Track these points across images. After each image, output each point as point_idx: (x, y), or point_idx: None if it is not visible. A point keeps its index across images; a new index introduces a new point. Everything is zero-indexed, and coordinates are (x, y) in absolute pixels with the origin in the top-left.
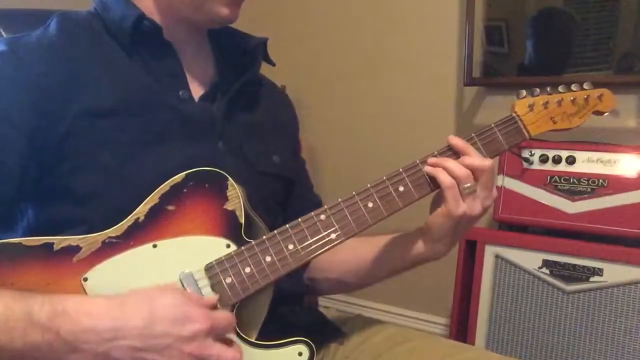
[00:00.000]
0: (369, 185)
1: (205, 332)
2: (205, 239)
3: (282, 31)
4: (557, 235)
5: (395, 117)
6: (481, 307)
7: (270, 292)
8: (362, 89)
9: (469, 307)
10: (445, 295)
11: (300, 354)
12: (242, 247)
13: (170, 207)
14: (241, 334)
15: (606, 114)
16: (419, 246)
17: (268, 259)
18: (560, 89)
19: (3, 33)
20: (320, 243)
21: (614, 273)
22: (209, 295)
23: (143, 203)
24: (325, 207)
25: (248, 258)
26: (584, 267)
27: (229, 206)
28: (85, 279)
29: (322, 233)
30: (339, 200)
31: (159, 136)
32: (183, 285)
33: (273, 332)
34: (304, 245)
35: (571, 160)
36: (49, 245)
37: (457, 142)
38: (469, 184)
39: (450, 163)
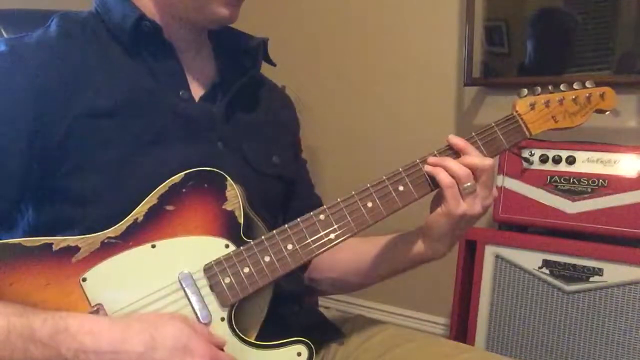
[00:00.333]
0: (368, 185)
1: None
2: (204, 239)
3: (282, 31)
4: (557, 235)
5: (395, 117)
6: (481, 307)
7: (269, 292)
8: (362, 89)
9: (469, 307)
10: (445, 295)
11: (299, 354)
12: (241, 248)
13: (169, 207)
14: (240, 334)
15: (608, 112)
16: (419, 246)
17: (267, 259)
18: (562, 87)
19: (3, 33)
20: (319, 243)
21: (614, 273)
22: (208, 296)
23: (142, 203)
24: (325, 207)
25: (247, 258)
26: (584, 267)
27: (228, 206)
28: (84, 280)
29: (321, 233)
30: (338, 200)
31: (159, 136)
32: (182, 286)
33: (272, 333)
34: (303, 245)
35: (571, 160)
36: (48, 246)
37: (457, 141)
38: (469, 184)
39: (450, 162)
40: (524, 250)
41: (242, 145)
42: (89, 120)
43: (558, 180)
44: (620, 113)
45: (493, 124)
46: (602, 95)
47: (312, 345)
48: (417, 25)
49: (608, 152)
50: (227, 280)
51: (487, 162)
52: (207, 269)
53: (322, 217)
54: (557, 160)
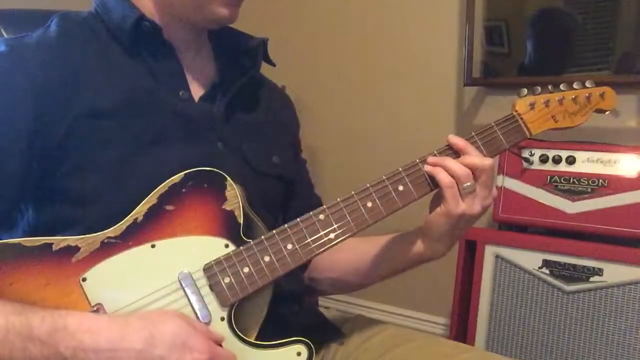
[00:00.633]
0: (368, 184)
1: None
2: (204, 239)
3: (282, 31)
4: (557, 235)
5: (395, 117)
6: (481, 307)
7: (269, 292)
8: (362, 89)
9: (469, 307)
10: (445, 295)
11: (299, 354)
12: (241, 247)
13: (169, 207)
14: (240, 334)
15: (608, 112)
16: (419, 246)
17: (267, 259)
18: (562, 87)
19: (3, 33)
20: (319, 243)
21: (614, 273)
22: (208, 296)
23: (142, 203)
24: (324, 206)
25: (247, 258)
26: (584, 267)
27: (227, 206)
28: (84, 279)
29: (320, 233)
30: (338, 200)
31: (158, 136)
32: (182, 286)
33: (272, 332)
34: (302, 245)
35: (571, 160)
36: (48, 246)
37: (457, 141)
38: (468, 183)
39: (450, 162)
40: (524, 250)
41: (242, 145)
42: (88, 121)
43: (558, 180)
44: (620, 113)
45: (493, 124)
46: (602, 95)
47: (312, 345)
48: (417, 25)
49: (608, 152)
50: (227, 280)
51: (487, 162)
52: (207, 269)
53: (321, 216)
54: (557, 160)
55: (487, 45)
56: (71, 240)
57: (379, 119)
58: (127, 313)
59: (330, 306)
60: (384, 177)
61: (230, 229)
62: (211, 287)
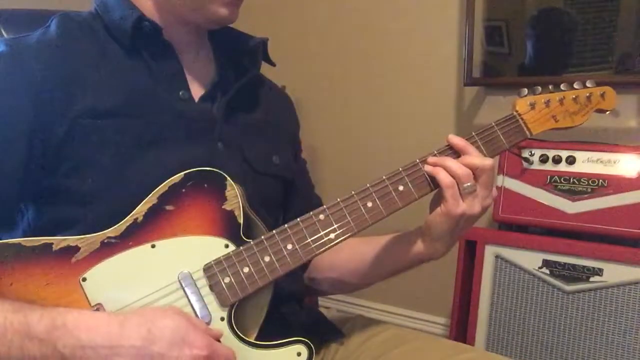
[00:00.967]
0: (368, 184)
1: (204, 359)
2: (204, 239)
3: (282, 31)
4: (557, 235)
5: (395, 117)
6: (481, 307)
7: (269, 292)
8: (362, 89)
9: (469, 307)
10: (445, 295)
11: (299, 354)
12: (241, 247)
13: (169, 207)
14: (240, 334)
15: (608, 112)
16: (418, 246)
17: (267, 259)
18: (562, 87)
19: (3, 33)
20: (319, 243)
21: (614, 273)
22: (208, 296)
23: (142, 203)
24: (324, 207)
25: (246, 258)
26: (584, 267)
27: (227, 206)
28: (84, 279)
29: (320, 233)
30: (338, 200)
31: (158, 137)
32: (182, 286)
33: (273, 332)
34: (302, 245)
35: (571, 160)
36: (48, 246)
37: (457, 141)
38: (468, 184)
39: (450, 162)
40: (524, 250)
41: (242, 145)
42: (88, 121)
43: (558, 180)
44: (620, 113)
45: (493, 124)
46: (602, 95)
47: (312, 345)
48: (417, 25)
49: (608, 152)
50: (227, 280)
51: (487, 162)
52: (207, 269)
53: (322, 217)
54: (557, 160)
55: (487, 45)
56: (71, 240)
57: (379, 119)
58: (125, 310)
59: (330, 306)
60: (384, 177)
61: (230, 229)
62: (211, 287)
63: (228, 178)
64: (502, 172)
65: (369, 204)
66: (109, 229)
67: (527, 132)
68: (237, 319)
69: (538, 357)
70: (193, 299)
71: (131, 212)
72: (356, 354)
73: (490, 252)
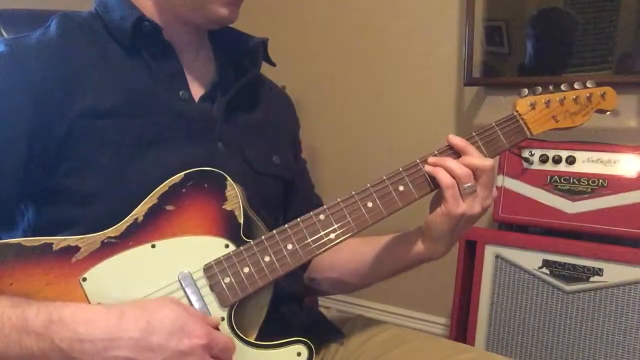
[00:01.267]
0: (368, 185)
1: (203, 348)
2: (204, 239)
3: (282, 31)
4: (557, 235)
5: (395, 117)
6: (481, 307)
7: (269, 292)
8: (362, 89)
9: (469, 307)
10: (445, 295)
11: (299, 354)
12: (241, 247)
13: (169, 207)
14: (240, 334)
15: (609, 112)
16: (419, 246)
17: (267, 259)
18: (563, 87)
19: (3, 33)
20: (319, 243)
21: (614, 273)
22: (208, 296)
23: (142, 203)
24: (325, 207)
25: (247, 258)
26: (584, 267)
27: (227, 206)
28: (84, 279)
29: (321, 233)
30: (338, 200)
31: (158, 136)
32: (182, 285)
33: (273, 333)
34: (302, 245)
35: (571, 160)
36: (48, 246)
37: (457, 141)
38: (469, 184)
39: (451, 162)
40: (524, 250)
41: (242, 145)
42: (88, 121)
43: (558, 180)
44: (620, 113)
45: (493, 124)
46: (603, 95)
47: (312, 345)
48: (417, 25)
49: (608, 152)
50: (227, 280)
51: (488, 162)
52: (207, 269)
53: (322, 217)
54: (557, 160)
55: (487, 45)
56: (71, 240)
57: (379, 119)
58: (122, 303)
59: (330, 306)
60: (384, 177)
61: (230, 229)
62: (211, 287)
63: (228, 178)
64: (502, 172)
65: (369, 204)
66: (109, 229)
67: (528, 133)
68: (237, 319)
69: (538, 357)
70: (193, 298)
71: (131, 212)
72: (356, 354)
73: (490, 252)
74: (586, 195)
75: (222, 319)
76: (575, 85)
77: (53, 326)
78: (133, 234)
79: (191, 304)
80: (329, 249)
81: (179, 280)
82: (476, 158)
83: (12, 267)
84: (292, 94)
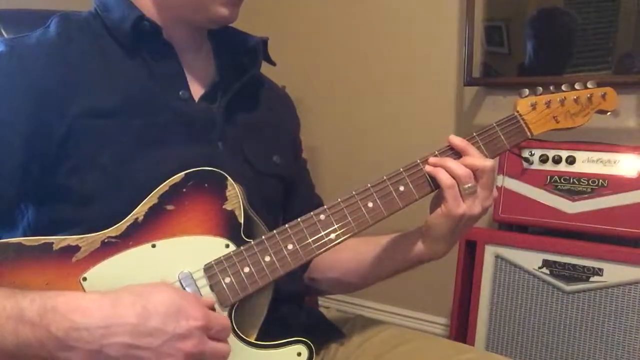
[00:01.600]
0: (369, 185)
1: (200, 330)
2: (204, 238)
3: (282, 31)
4: (557, 235)
5: (395, 117)
6: (481, 307)
7: (269, 292)
8: (362, 89)
9: (469, 307)
10: (445, 295)
11: (299, 354)
12: (241, 247)
13: (170, 207)
14: (240, 334)
15: (609, 113)
16: (419, 246)
17: (267, 259)
18: (563, 87)
19: (3, 33)
20: (319, 243)
21: (614, 273)
22: (208, 295)
23: (142, 203)
24: (325, 207)
25: (247, 258)
26: (584, 267)
27: (228, 206)
28: (84, 279)
29: (321, 233)
30: (339, 200)
31: (158, 136)
32: (182, 285)
33: (273, 333)
34: (303, 245)
35: (571, 160)
36: (49, 245)
37: (458, 141)
38: (469, 184)
39: (451, 163)
40: (524, 250)
41: (242, 145)
42: (88, 120)
43: (558, 180)
44: (620, 113)
45: (494, 124)
46: (603, 96)
47: (312, 346)
48: (417, 25)
49: (608, 152)
50: (227, 280)
51: (488, 163)
52: (207, 269)
53: (322, 217)
54: (557, 160)
55: (487, 45)
56: (71, 239)
57: (379, 119)
58: (116, 289)
59: (330, 306)
60: (384, 178)
61: (230, 229)
62: (212, 287)
63: (229, 178)
64: (502, 172)
65: (370, 204)
66: (110, 229)
67: (528, 133)
68: (237, 319)
69: (538, 357)
70: None
71: (131, 211)
72: (356, 354)
73: (490, 252)
74: (586, 195)
75: None
76: (576, 86)
77: (48, 315)
78: (133, 234)
79: None
80: (329, 249)
81: (179, 280)
82: (477, 158)
83: (12, 267)
84: (292, 94)
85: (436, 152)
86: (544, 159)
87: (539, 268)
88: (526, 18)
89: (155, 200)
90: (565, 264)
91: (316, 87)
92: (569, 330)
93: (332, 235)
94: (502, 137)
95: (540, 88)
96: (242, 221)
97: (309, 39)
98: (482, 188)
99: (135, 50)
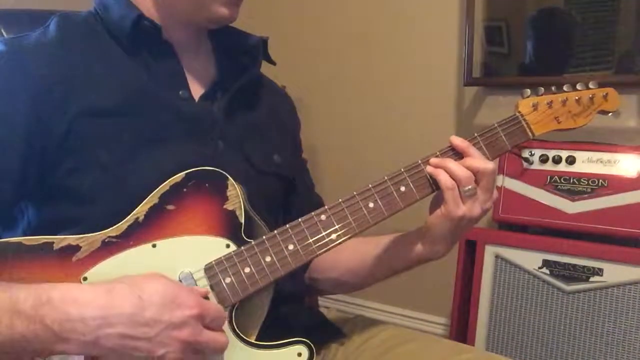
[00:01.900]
0: (370, 185)
1: (196, 318)
2: (205, 238)
3: (282, 31)
4: (557, 235)
5: (395, 117)
6: (481, 307)
7: (270, 292)
8: (362, 89)
9: (469, 307)
10: (445, 295)
11: (299, 354)
12: (242, 247)
13: (170, 207)
14: (241, 335)
15: (611, 113)
16: (419, 247)
17: (268, 259)
18: (565, 88)
19: (3, 33)
20: (320, 243)
21: (614, 273)
22: (209, 295)
23: (143, 203)
24: (326, 207)
25: (248, 258)
26: (584, 267)
27: (229, 206)
28: (85, 279)
29: (322, 233)
30: (340, 200)
31: (158, 136)
32: None
33: (273, 333)
34: (304, 245)
35: (571, 160)
36: (49, 245)
37: (459, 142)
38: (469, 187)
39: (452, 164)
40: (524, 250)
41: (242, 144)
42: (88, 120)
43: (558, 180)
44: (621, 113)
45: (496, 125)
46: (605, 97)
47: (312, 346)
48: (417, 25)
49: (608, 152)
50: (228, 280)
51: (489, 165)
52: (208, 269)
53: (323, 217)
54: (557, 160)
55: (487, 45)
56: (72, 239)
57: (379, 119)
58: (109, 280)
59: (330, 306)
60: (385, 178)
61: (231, 229)
62: (212, 287)
63: (230, 177)
64: (502, 172)
65: (371, 205)
66: (110, 228)
67: (530, 134)
68: (237, 319)
69: (538, 357)
70: None
71: (131, 211)
72: (356, 354)
73: (490, 252)
74: (586, 195)
75: None
76: (578, 86)
77: (42, 308)
78: (134, 234)
79: None
80: (330, 249)
81: (180, 280)
82: (478, 160)
83: (13, 266)
84: (292, 94)
85: (437, 153)
86: (544, 159)
87: (539, 268)
88: (526, 18)
89: (156, 200)
90: (565, 264)
91: (316, 87)
92: (569, 330)
93: (333, 236)
94: (503, 137)
95: (542, 88)
96: (242, 221)
97: (309, 39)
98: (482, 190)
99: (135, 50)
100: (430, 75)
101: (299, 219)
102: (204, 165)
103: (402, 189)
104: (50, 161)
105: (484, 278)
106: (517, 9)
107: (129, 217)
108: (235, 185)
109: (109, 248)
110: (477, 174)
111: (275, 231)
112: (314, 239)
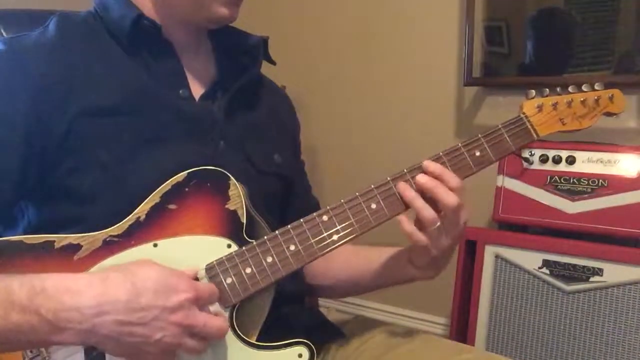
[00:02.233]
0: (372, 186)
1: (190, 302)
2: (206, 238)
3: (282, 31)
4: (557, 235)
5: (395, 117)
6: (481, 307)
7: (271, 292)
8: (362, 89)
9: (469, 307)
10: (445, 295)
11: (300, 355)
12: (243, 247)
13: (172, 206)
14: (241, 335)
15: (616, 115)
16: (408, 269)
17: (269, 259)
18: (570, 89)
19: (3, 33)
20: (322, 244)
21: (614, 273)
22: None
23: (144, 202)
24: (328, 207)
25: (249, 258)
26: (584, 267)
27: (230, 206)
28: None
29: (324, 234)
30: (342, 201)
31: (159, 135)
32: None
33: (274, 333)
34: (305, 246)
35: (571, 160)
36: (50, 244)
37: (433, 168)
38: (437, 225)
39: (419, 203)
40: (524, 250)
41: (243, 144)
42: (88, 120)
43: (558, 180)
44: (620, 113)
45: (500, 126)
46: (611, 98)
47: (313, 346)
48: (417, 25)
49: (608, 152)
50: (229, 280)
51: (452, 200)
52: (209, 269)
53: (325, 217)
54: (557, 160)
55: (487, 45)
56: (73, 238)
57: (379, 119)
58: (103, 268)
59: (330, 306)
60: (388, 179)
61: (232, 229)
62: None
63: (231, 177)
64: (502, 172)
65: (373, 206)
66: (111, 228)
67: (534, 135)
68: (238, 319)
69: (538, 357)
70: None
71: (132, 210)
72: (356, 355)
73: (490, 252)
74: (586, 195)
75: None
76: (583, 88)
77: (37, 298)
78: (135, 233)
79: None
80: (332, 250)
81: None
82: (444, 195)
83: (13, 265)
84: (292, 94)
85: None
86: (544, 159)
87: (539, 268)
88: (526, 18)
89: (157, 199)
90: (565, 264)
91: (316, 87)
92: (569, 330)
93: (335, 237)
94: (507, 138)
95: (547, 89)
96: (244, 221)
97: (309, 39)
98: (448, 224)
99: (135, 49)
100: (430, 75)
101: (301, 220)
102: (204, 164)
103: None
104: (50, 161)
105: (484, 278)
106: (517, 9)
107: (130, 216)
108: (237, 185)
109: (110, 247)
110: (443, 208)
111: (277, 231)
112: (315, 239)
